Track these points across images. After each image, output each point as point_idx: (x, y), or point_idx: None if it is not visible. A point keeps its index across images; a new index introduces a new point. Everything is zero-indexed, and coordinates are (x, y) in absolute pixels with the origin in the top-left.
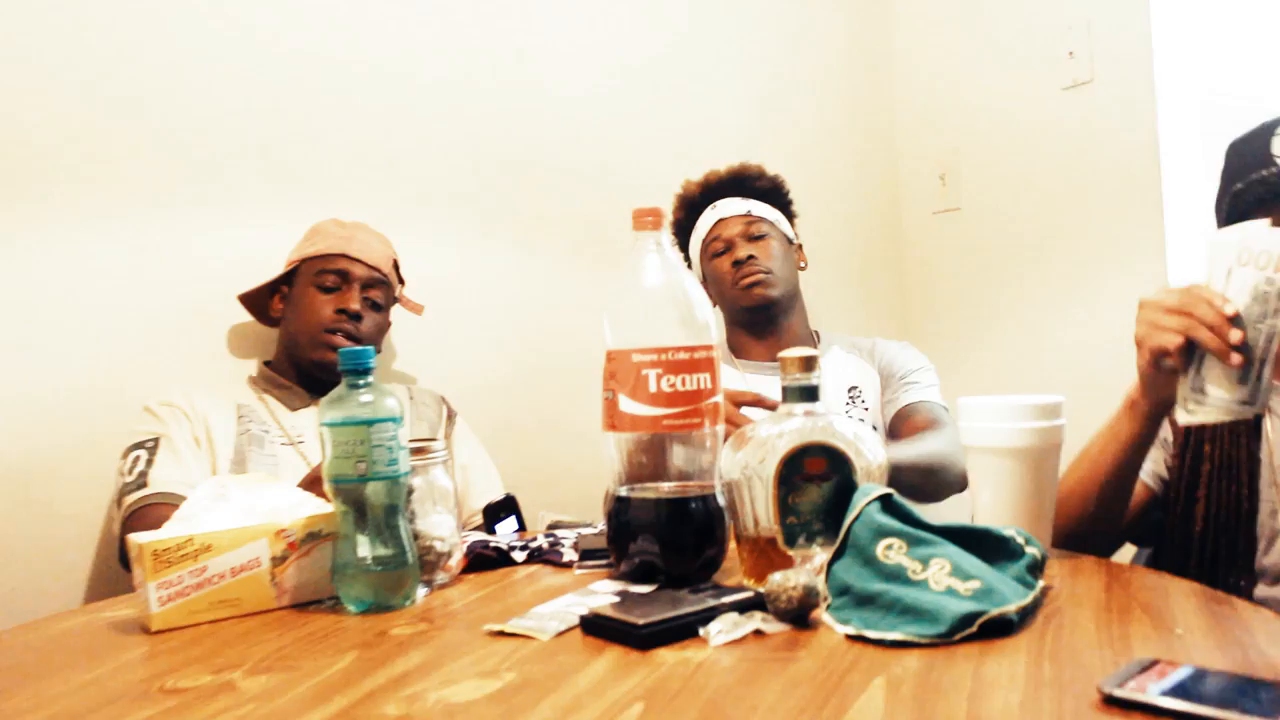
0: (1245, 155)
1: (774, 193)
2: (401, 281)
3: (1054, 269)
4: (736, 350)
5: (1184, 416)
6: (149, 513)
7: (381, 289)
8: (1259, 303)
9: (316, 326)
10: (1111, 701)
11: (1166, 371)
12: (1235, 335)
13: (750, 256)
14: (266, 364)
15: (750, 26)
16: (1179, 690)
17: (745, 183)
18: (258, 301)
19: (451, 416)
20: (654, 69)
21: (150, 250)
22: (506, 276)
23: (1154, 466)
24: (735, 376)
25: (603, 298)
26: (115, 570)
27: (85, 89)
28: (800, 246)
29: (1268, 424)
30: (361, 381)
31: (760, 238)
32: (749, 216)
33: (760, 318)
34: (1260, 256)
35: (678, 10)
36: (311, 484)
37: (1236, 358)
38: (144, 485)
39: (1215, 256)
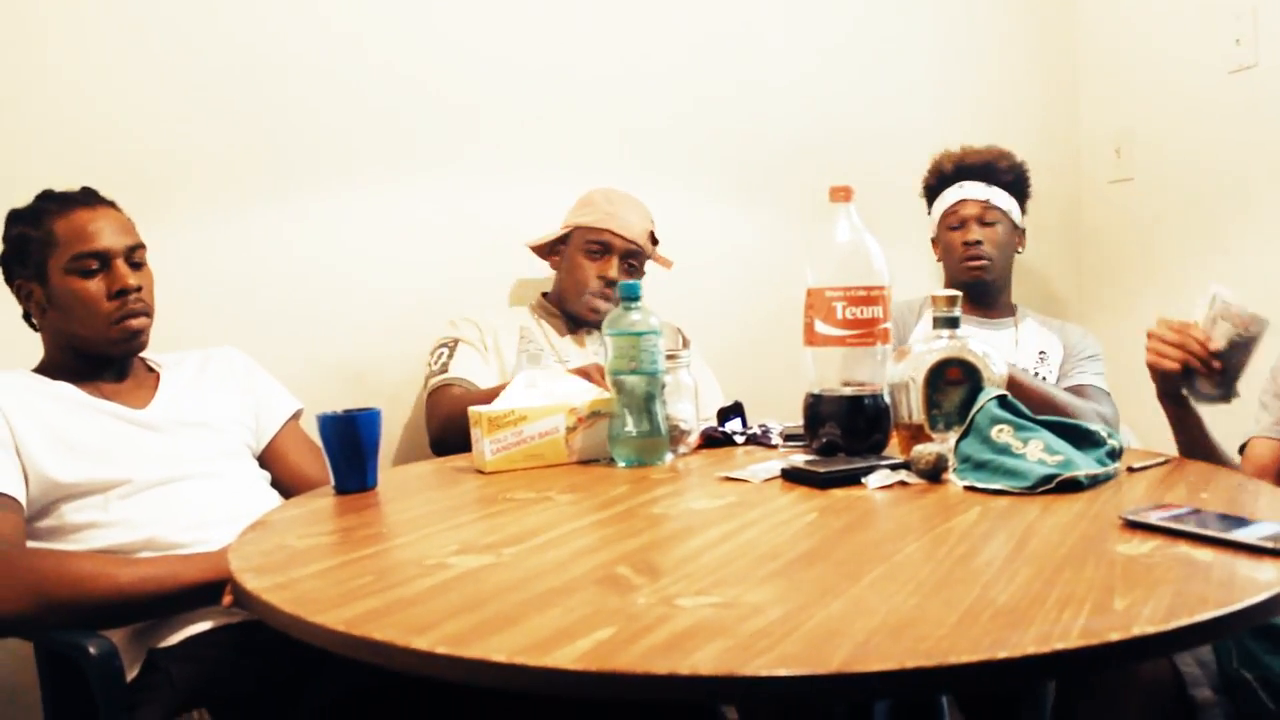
0: None
1: (1015, 183)
2: (656, 242)
3: (1214, 238)
4: None
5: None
6: (446, 391)
7: (637, 257)
8: (1232, 347)
9: (583, 287)
10: (1128, 525)
11: (1169, 381)
12: (1216, 364)
13: (978, 241)
14: (544, 295)
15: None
16: (1173, 518)
17: (992, 169)
18: (540, 250)
19: (686, 343)
20: (847, 50)
21: (457, 208)
22: (731, 231)
23: (1271, 419)
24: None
25: (803, 249)
26: (419, 446)
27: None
28: (1023, 231)
29: None
30: (634, 306)
31: (991, 224)
32: (987, 204)
33: (973, 290)
34: (1235, 317)
35: None
36: (585, 374)
37: (1214, 378)
38: (445, 371)
39: (1209, 307)
